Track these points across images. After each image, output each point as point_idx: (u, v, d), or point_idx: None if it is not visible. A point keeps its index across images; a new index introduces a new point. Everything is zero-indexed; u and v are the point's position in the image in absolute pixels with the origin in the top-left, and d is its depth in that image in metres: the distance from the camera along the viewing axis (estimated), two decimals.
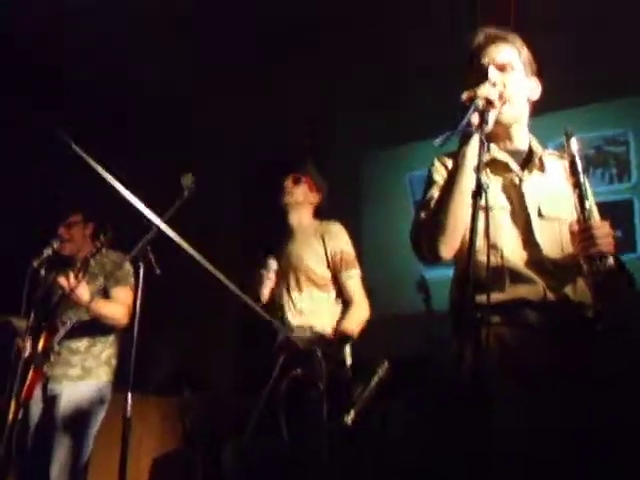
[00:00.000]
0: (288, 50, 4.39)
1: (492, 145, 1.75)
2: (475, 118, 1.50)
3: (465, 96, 1.54)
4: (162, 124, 4.60)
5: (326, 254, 2.76)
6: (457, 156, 1.60)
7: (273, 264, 2.81)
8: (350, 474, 3.02)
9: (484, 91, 1.54)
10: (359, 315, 2.71)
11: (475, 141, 1.54)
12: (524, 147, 1.79)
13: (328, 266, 2.76)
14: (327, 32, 4.26)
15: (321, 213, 2.98)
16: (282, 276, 2.79)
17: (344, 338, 2.60)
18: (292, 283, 2.75)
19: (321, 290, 2.75)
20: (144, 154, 4.55)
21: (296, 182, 2.89)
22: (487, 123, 1.51)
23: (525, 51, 1.80)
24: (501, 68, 1.73)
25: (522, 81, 1.77)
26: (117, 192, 1.64)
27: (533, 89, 1.81)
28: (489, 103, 1.53)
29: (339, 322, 2.68)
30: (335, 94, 4.70)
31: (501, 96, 1.60)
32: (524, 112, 1.80)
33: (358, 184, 5.13)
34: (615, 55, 3.90)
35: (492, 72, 1.70)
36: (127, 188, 1.62)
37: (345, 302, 2.76)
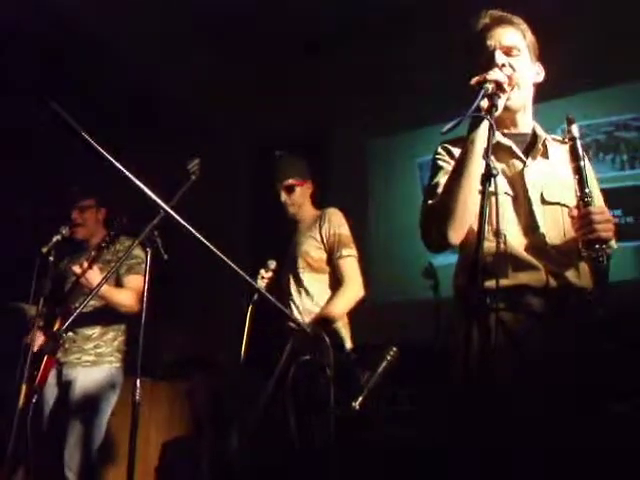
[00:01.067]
0: (294, 39, 4.37)
1: (495, 131, 1.70)
2: (484, 103, 1.49)
3: (474, 80, 1.53)
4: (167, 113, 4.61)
5: (321, 236, 2.83)
6: (466, 141, 1.59)
7: (272, 264, 2.90)
8: (358, 460, 3.03)
9: (494, 75, 1.52)
10: (348, 297, 2.74)
11: (484, 126, 1.52)
12: (528, 132, 1.78)
13: (324, 249, 2.83)
14: (333, 18, 4.24)
15: (318, 196, 3.04)
16: (288, 266, 2.87)
17: (325, 321, 2.63)
18: (295, 270, 2.83)
19: (317, 272, 2.81)
20: (149, 142, 4.56)
21: (289, 191, 2.95)
22: (497, 108, 1.50)
23: (530, 34, 1.77)
24: (507, 51, 1.70)
25: (528, 65, 1.74)
26: (125, 177, 1.64)
27: (538, 74, 1.79)
28: (499, 87, 1.52)
29: (325, 305, 2.72)
30: (342, 80, 4.67)
31: (510, 80, 1.58)
32: (529, 97, 1.78)
33: (367, 170, 5.12)
34: (627, 40, 3.85)
35: (499, 56, 1.68)
36: (133, 173, 1.62)
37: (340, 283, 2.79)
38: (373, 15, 4.18)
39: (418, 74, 4.37)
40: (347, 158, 5.12)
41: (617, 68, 3.97)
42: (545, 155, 1.75)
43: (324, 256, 2.83)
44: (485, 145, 1.44)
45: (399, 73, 4.49)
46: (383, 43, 4.36)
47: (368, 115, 4.89)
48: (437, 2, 3.97)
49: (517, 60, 1.70)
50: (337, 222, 2.86)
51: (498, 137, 1.71)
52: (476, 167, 1.55)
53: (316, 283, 2.81)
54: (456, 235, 1.61)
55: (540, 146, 1.74)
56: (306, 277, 2.81)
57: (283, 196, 2.96)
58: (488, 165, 1.36)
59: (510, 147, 1.72)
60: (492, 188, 1.37)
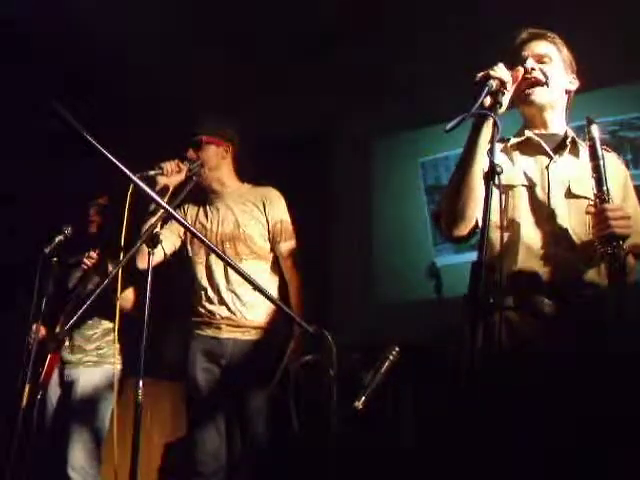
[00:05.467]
0: (301, 37, 4.36)
1: (527, 130, 1.81)
2: (488, 100, 1.49)
3: (479, 77, 1.53)
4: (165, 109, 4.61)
5: (267, 222, 2.57)
6: (468, 138, 1.59)
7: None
8: (360, 460, 3.02)
9: (497, 72, 1.52)
10: (301, 295, 2.54)
11: (488, 123, 1.52)
12: (560, 133, 1.82)
13: (268, 237, 2.58)
14: (339, 18, 4.23)
15: (243, 170, 2.74)
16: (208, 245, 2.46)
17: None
18: (230, 253, 2.51)
19: (260, 260, 2.57)
20: (149, 141, 4.56)
21: (197, 148, 2.58)
22: (501, 105, 1.50)
23: (565, 50, 1.87)
24: (539, 59, 1.79)
25: (559, 72, 1.82)
26: (127, 177, 1.63)
27: (571, 83, 1.87)
28: (503, 84, 1.51)
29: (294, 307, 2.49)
30: (343, 80, 4.66)
31: (516, 77, 1.60)
32: (560, 100, 1.85)
33: (369, 170, 5.11)
34: (631, 39, 3.83)
35: (530, 62, 1.75)
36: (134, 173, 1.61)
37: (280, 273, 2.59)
38: (373, 15, 4.17)
39: (419, 73, 4.36)
40: (349, 158, 5.10)
41: (620, 67, 3.95)
42: (575, 153, 1.79)
43: (267, 245, 2.58)
44: (488, 142, 1.44)
45: (400, 72, 4.48)
46: (384, 43, 4.35)
47: (370, 115, 4.87)
48: (437, 2, 3.96)
49: (547, 66, 1.79)
50: (283, 208, 2.61)
51: (529, 134, 1.79)
52: (477, 163, 1.57)
53: (260, 272, 2.52)
54: (458, 229, 1.65)
55: (568, 144, 1.78)
56: (250, 264, 2.48)
57: (188, 153, 2.53)
58: (492, 163, 1.36)
59: (539, 143, 1.76)
60: (509, 181, 1.38)
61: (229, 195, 2.64)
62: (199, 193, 2.65)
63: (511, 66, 1.70)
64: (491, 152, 1.37)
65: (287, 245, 2.60)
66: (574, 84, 1.88)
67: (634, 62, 3.87)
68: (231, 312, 2.53)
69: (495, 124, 1.43)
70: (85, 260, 2.78)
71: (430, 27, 4.08)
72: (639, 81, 4.04)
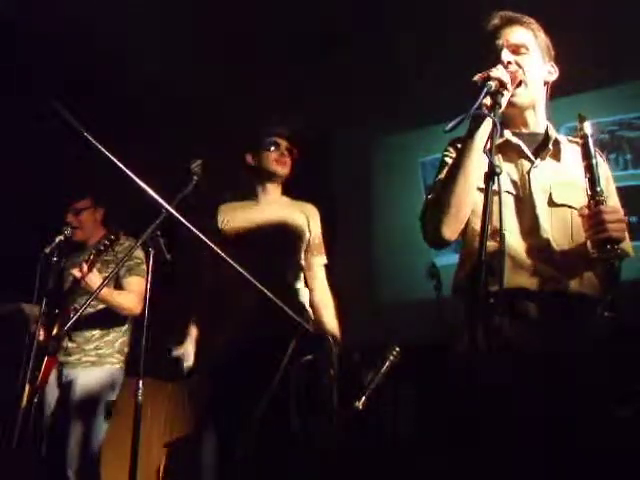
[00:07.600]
0: (301, 37, 4.37)
1: (505, 130, 1.70)
2: (487, 100, 1.47)
3: (477, 77, 1.51)
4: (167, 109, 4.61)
5: (310, 235, 2.64)
6: (465, 138, 1.58)
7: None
8: (360, 459, 3.03)
9: (497, 73, 1.51)
10: (334, 310, 2.59)
11: (486, 124, 1.51)
12: (540, 132, 1.74)
13: (304, 247, 2.63)
14: (339, 18, 4.23)
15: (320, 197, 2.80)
16: (251, 248, 2.50)
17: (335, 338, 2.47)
18: (303, 253, 2.62)
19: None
20: (150, 141, 4.56)
21: (290, 153, 2.66)
22: (500, 106, 1.48)
23: (542, 35, 1.75)
24: (515, 50, 1.68)
25: (538, 64, 1.72)
26: (128, 177, 1.63)
27: (550, 73, 1.76)
28: (502, 85, 1.50)
29: (325, 320, 2.53)
30: (344, 80, 4.66)
31: (514, 77, 1.57)
32: (540, 96, 1.75)
33: (370, 169, 5.11)
34: (630, 38, 3.84)
35: (505, 54, 1.66)
36: (135, 173, 1.61)
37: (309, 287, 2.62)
38: (373, 15, 4.18)
39: (420, 73, 4.37)
40: (349, 158, 5.11)
41: (620, 67, 3.96)
42: (556, 157, 1.72)
43: (303, 256, 2.63)
44: (485, 142, 1.42)
45: (401, 72, 4.49)
46: (384, 43, 4.35)
47: (370, 115, 4.88)
48: (437, 3, 3.96)
49: (524, 58, 1.68)
50: (319, 223, 2.69)
51: (508, 135, 1.70)
52: (473, 164, 1.54)
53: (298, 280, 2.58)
54: (450, 231, 1.59)
55: (550, 147, 1.70)
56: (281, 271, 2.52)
57: (283, 145, 2.60)
58: (492, 163, 1.35)
59: (519, 146, 1.69)
60: (495, 186, 1.35)
61: (271, 204, 2.66)
62: (245, 195, 2.70)
63: (484, 55, 1.65)
64: (490, 152, 1.36)
65: (320, 260, 2.67)
66: (553, 74, 1.76)
67: (632, 62, 3.87)
68: None
69: (495, 125, 1.41)
70: (73, 272, 2.75)
71: (430, 27, 4.08)
72: (638, 81, 4.05)
